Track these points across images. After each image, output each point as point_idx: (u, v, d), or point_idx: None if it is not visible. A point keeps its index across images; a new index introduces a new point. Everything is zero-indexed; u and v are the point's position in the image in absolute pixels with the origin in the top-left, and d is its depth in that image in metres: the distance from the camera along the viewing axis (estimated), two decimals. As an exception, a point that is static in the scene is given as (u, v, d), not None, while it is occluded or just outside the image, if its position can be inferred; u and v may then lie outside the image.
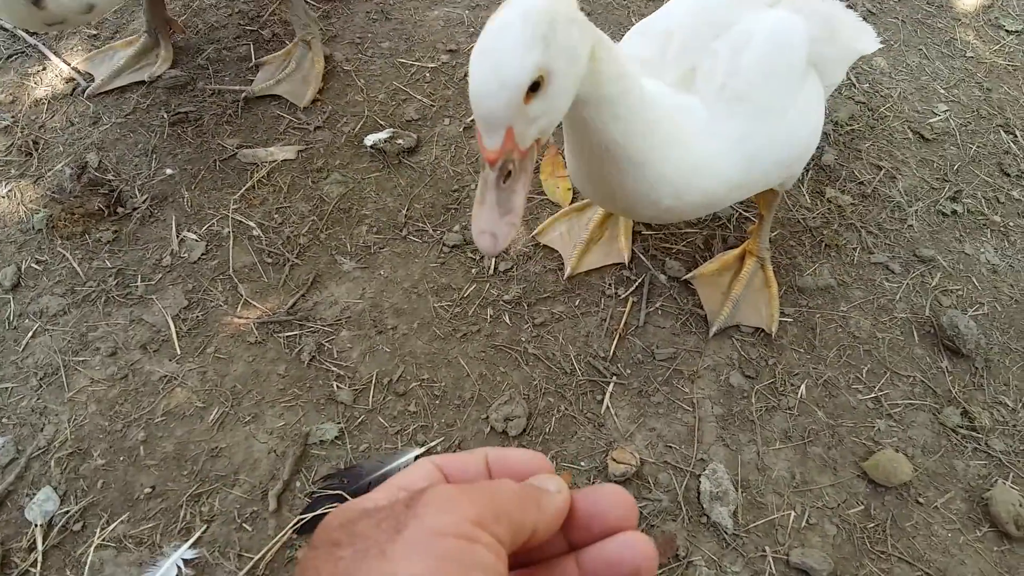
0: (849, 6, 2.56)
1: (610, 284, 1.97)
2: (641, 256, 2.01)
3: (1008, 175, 2.19)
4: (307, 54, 2.41)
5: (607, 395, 1.79)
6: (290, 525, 1.59)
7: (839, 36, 1.73)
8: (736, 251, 1.97)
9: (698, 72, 1.47)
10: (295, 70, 2.39)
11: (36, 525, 1.60)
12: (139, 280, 1.96)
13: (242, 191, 2.14)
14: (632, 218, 2.00)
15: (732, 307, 1.89)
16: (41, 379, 1.81)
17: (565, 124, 1.35)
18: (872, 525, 1.62)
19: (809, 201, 2.12)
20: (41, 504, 1.62)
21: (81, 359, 1.83)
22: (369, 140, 2.23)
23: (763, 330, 1.88)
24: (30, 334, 1.88)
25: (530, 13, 1.02)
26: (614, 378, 1.81)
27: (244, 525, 1.60)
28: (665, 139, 1.35)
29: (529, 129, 1.10)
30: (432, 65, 2.46)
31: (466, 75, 2.39)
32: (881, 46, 1.93)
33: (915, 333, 1.89)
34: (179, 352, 1.84)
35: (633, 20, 2.53)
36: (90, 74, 2.41)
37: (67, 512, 1.62)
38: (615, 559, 0.53)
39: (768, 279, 1.92)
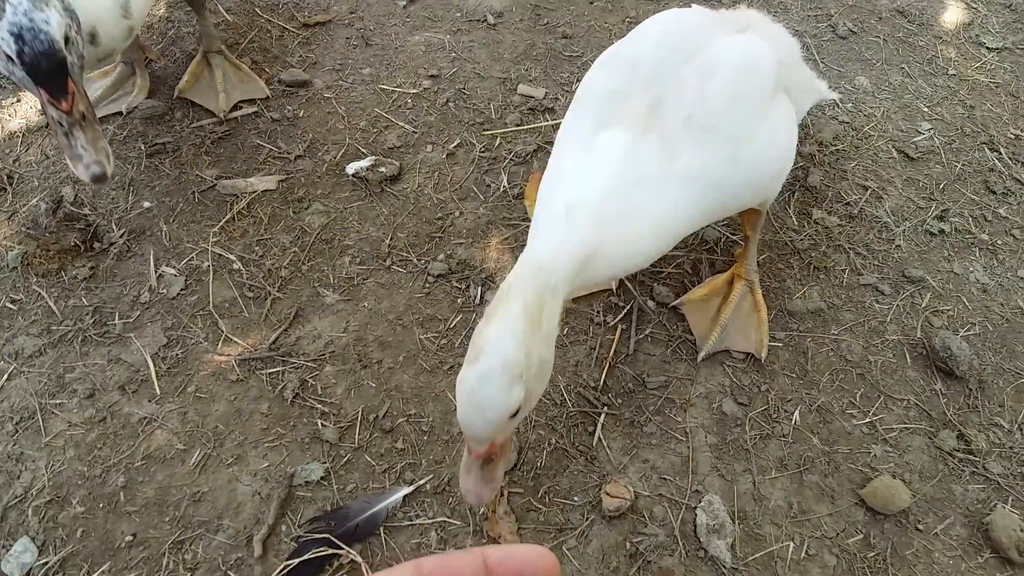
0: (830, 25, 2.57)
1: (598, 312, 1.94)
2: (628, 283, 1.98)
3: (994, 192, 2.18)
4: (219, 64, 2.46)
5: (599, 426, 1.75)
6: (277, 572, 1.54)
7: (803, 67, 1.75)
8: (724, 275, 1.95)
9: (664, 103, 1.43)
10: (211, 80, 2.43)
11: (12, 578, 1.54)
12: (117, 318, 1.91)
13: (222, 223, 2.10)
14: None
15: (720, 332, 1.87)
16: (17, 424, 1.75)
17: None
18: (872, 554, 1.60)
19: (796, 223, 2.11)
20: (19, 556, 1.56)
21: (58, 402, 1.78)
22: (351, 168, 2.20)
23: (754, 355, 1.85)
24: (5, 376, 1.82)
25: (508, 364, 1.16)
26: (605, 408, 1.78)
27: (229, 572, 1.55)
28: (634, 224, 1.41)
29: (506, 434, 1.27)
30: (414, 91, 2.43)
31: (447, 101, 2.38)
32: (838, 96, 2.00)
33: (907, 355, 1.87)
34: (159, 392, 1.79)
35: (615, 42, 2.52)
36: None
37: (46, 563, 1.57)
38: None
39: (757, 303, 1.90)
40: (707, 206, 1.46)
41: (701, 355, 1.85)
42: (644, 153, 1.39)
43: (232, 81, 2.41)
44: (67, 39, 1.55)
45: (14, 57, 1.49)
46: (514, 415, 1.21)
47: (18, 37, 1.47)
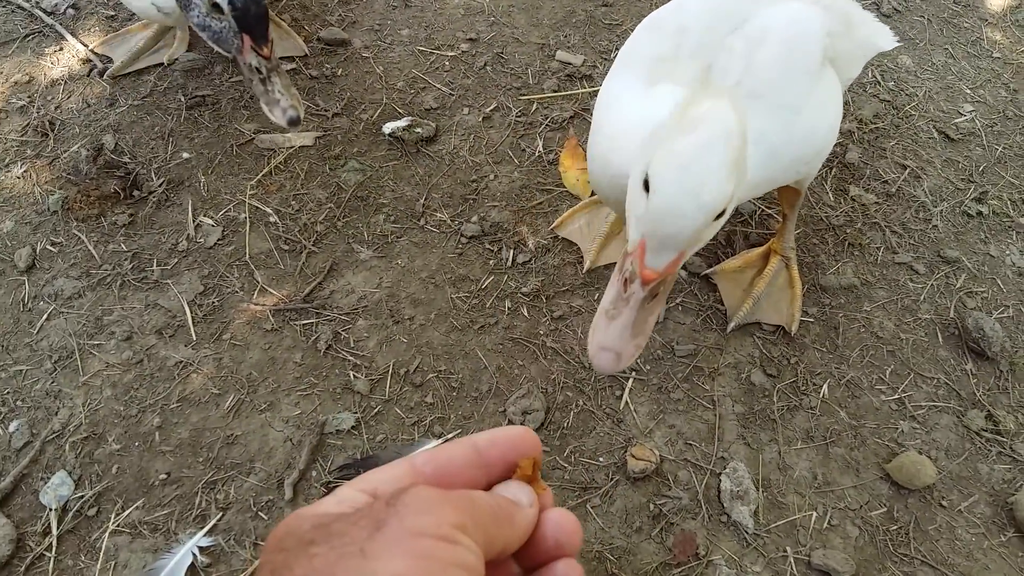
0: (874, 3, 2.53)
1: (630, 278, 1.94)
2: (662, 251, 1.98)
3: (1035, 177, 2.16)
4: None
5: (626, 391, 1.76)
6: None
7: (856, 31, 1.70)
8: (760, 249, 1.94)
9: (714, 68, 1.43)
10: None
11: (51, 509, 1.58)
12: (155, 264, 1.94)
13: (259, 177, 2.12)
14: None
15: (753, 304, 1.87)
16: (55, 362, 1.79)
17: None
18: (895, 528, 1.60)
19: (833, 199, 2.10)
20: (56, 488, 1.61)
21: (96, 343, 1.82)
22: (387, 128, 2.21)
23: (784, 328, 1.85)
24: (44, 316, 1.86)
25: (732, 137, 0.97)
26: (633, 374, 1.79)
27: (260, 513, 1.58)
28: None
29: (694, 250, 1.05)
30: (451, 54, 2.43)
31: (485, 65, 2.38)
32: (899, 44, 1.91)
33: (939, 335, 1.87)
34: (195, 338, 1.82)
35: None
36: (108, 56, 2.39)
37: (82, 497, 1.61)
38: None
39: (793, 279, 1.90)
40: (763, 175, 1.44)
41: (731, 325, 1.85)
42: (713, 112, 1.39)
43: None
44: None
45: (224, 4, 1.60)
46: (719, 216, 1.01)
47: None
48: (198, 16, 1.72)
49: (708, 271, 1.93)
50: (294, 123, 1.72)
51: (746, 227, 2.04)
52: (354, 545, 0.43)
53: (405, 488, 0.47)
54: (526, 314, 1.88)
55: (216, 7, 1.64)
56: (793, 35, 1.47)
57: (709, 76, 1.42)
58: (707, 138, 0.98)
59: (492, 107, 2.29)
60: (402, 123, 2.22)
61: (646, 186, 1.04)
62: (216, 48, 1.79)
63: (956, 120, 2.26)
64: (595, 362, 1.05)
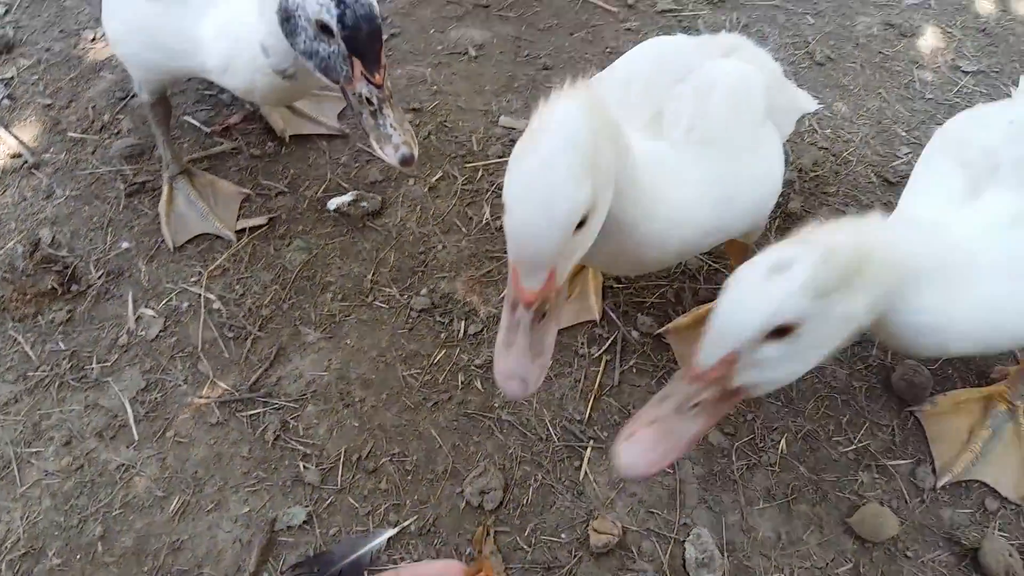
0: (807, 52, 2.59)
1: (582, 343, 1.93)
2: (611, 313, 1.97)
3: (973, 215, 2.19)
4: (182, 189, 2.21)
5: (585, 460, 1.73)
6: (258, 620, 1.51)
7: (786, 88, 1.77)
8: (707, 307, 1.94)
9: (664, 115, 1.47)
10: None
11: (-14, 634, 1.51)
12: (94, 362, 1.89)
13: (210, 269, 2.08)
14: (611, 273, 1.97)
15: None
16: (-8, 473, 1.72)
17: None
18: (862, 586, 1.58)
19: (778, 249, 2.11)
20: (-8, 611, 1.53)
21: (34, 450, 1.75)
22: (332, 204, 2.19)
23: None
24: (-20, 424, 1.79)
25: (578, 142, 0.93)
26: (591, 442, 1.76)
27: (209, 622, 1.52)
28: (651, 199, 1.33)
29: (568, 263, 1.03)
30: (394, 125, 2.43)
31: (429, 134, 2.38)
32: (820, 106, 1.98)
33: (892, 380, 1.87)
34: (137, 438, 1.76)
35: (595, 73, 2.53)
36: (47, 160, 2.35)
37: (20, 618, 1.53)
38: None
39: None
40: (716, 222, 1.46)
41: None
42: (664, 154, 1.40)
43: (212, 199, 2.22)
44: None
45: (333, 22, 1.39)
46: (581, 225, 0.97)
47: (339, 1, 1.38)
48: (305, 41, 1.49)
49: (660, 331, 1.92)
50: (407, 163, 1.50)
51: (695, 283, 2.04)
52: None
53: None
54: (480, 387, 1.85)
55: (325, 29, 1.42)
56: (738, 86, 1.52)
57: (660, 121, 1.46)
58: (549, 150, 0.94)
59: (438, 176, 2.29)
60: (347, 198, 2.20)
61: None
62: (323, 79, 1.56)
63: (893, 163, 2.30)
64: (505, 390, 1.04)
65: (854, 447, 1.76)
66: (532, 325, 1.01)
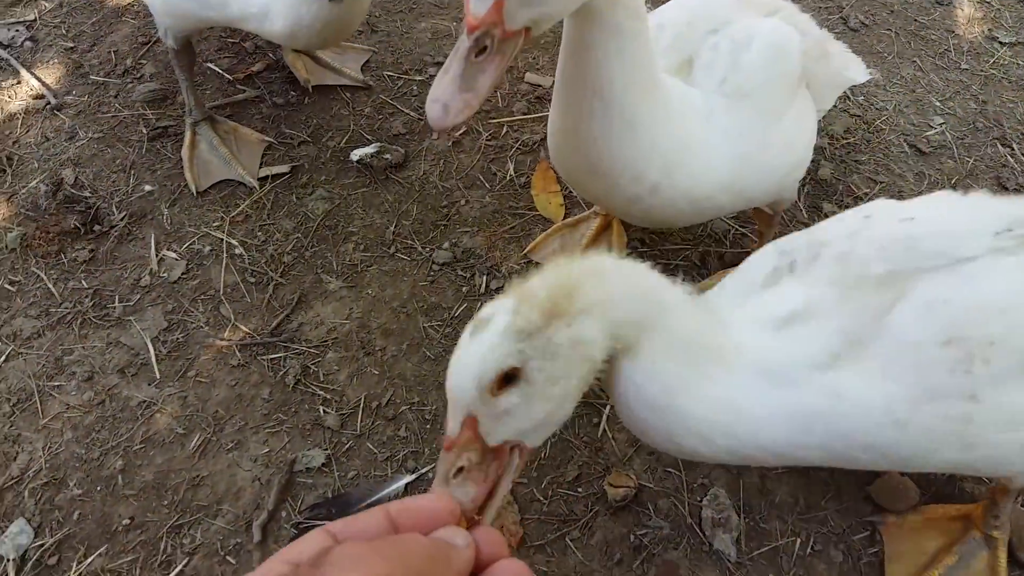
0: (841, 18, 2.54)
1: (605, 302, 1.91)
2: (636, 273, 1.95)
3: (1007, 189, 2.16)
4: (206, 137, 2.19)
5: (604, 418, 1.73)
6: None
7: (830, 59, 1.74)
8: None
9: (696, 63, 1.45)
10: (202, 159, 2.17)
11: (8, 560, 1.52)
12: (116, 301, 1.89)
13: (232, 215, 2.07)
14: (614, 209, 1.93)
15: None
16: (14, 405, 1.73)
17: (563, 55, 1.27)
18: (879, 550, 1.57)
19: (806, 216, 2.08)
20: (14, 537, 1.54)
21: (56, 384, 1.76)
22: (355, 155, 2.17)
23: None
24: (3, 358, 1.80)
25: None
26: (610, 401, 1.75)
27: (228, 558, 1.53)
28: (662, 105, 1.30)
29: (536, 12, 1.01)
30: (420, 78, 2.40)
31: (455, 88, 2.35)
32: (871, 76, 1.92)
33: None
34: (158, 376, 1.76)
35: None
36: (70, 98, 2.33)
37: (42, 545, 1.54)
38: None
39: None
40: (733, 176, 1.44)
41: None
42: (692, 94, 1.38)
43: (235, 146, 2.20)
44: None
45: None
46: None
47: None
48: None
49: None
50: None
51: (720, 246, 2.01)
52: None
53: (328, 548, 0.47)
54: (500, 341, 1.84)
55: None
56: (777, 45, 1.49)
57: (691, 68, 1.45)
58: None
59: (462, 131, 2.26)
60: (370, 149, 2.18)
61: None
62: None
63: (927, 133, 2.26)
64: (428, 115, 1.02)
65: (876, 414, 1.75)
66: (468, 55, 0.99)
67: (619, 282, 0.97)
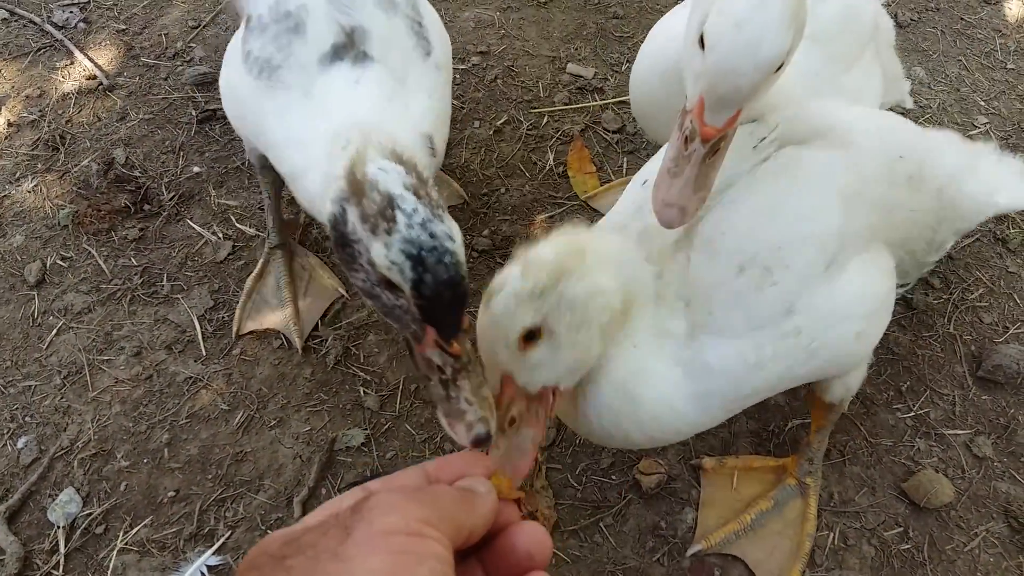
0: (892, 14, 2.51)
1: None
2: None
3: (1051, 190, 2.13)
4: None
5: (639, 407, 1.74)
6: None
7: (895, 58, 1.76)
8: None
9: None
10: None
11: (59, 527, 1.57)
12: (165, 279, 1.94)
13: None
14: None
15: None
16: (65, 378, 1.78)
17: None
18: (911, 547, 1.58)
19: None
20: (64, 505, 1.60)
21: (105, 358, 1.81)
22: (398, 141, 2.20)
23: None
24: (54, 331, 1.85)
25: None
26: (646, 390, 1.77)
27: (269, 531, 1.57)
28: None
29: (753, 106, 1.05)
30: (462, 67, 2.42)
31: (496, 78, 2.37)
32: (911, 105, 1.95)
33: (956, 350, 1.84)
34: (204, 353, 1.81)
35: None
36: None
37: (90, 514, 1.60)
38: None
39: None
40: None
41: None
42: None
43: (303, 289, 1.93)
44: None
45: (405, 286, 0.99)
46: (778, 69, 0.99)
47: (417, 261, 0.98)
48: (365, 281, 1.08)
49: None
50: (480, 443, 1.01)
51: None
52: (328, 551, 0.46)
53: (367, 496, 0.51)
54: (537, 329, 1.86)
55: (392, 286, 1.02)
56: (854, 4, 1.51)
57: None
58: None
59: (503, 120, 2.28)
60: (412, 136, 2.21)
61: (701, 43, 1.01)
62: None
63: (971, 132, 2.24)
64: (661, 219, 1.06)
65: (913, 414, 1.75)
66: (703, 159, 1.03)
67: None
